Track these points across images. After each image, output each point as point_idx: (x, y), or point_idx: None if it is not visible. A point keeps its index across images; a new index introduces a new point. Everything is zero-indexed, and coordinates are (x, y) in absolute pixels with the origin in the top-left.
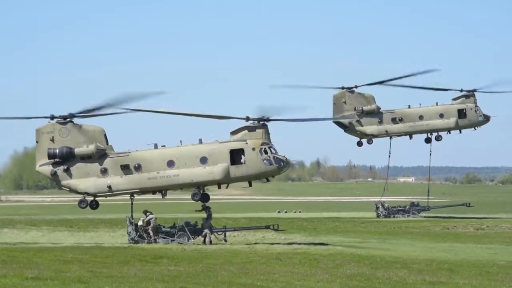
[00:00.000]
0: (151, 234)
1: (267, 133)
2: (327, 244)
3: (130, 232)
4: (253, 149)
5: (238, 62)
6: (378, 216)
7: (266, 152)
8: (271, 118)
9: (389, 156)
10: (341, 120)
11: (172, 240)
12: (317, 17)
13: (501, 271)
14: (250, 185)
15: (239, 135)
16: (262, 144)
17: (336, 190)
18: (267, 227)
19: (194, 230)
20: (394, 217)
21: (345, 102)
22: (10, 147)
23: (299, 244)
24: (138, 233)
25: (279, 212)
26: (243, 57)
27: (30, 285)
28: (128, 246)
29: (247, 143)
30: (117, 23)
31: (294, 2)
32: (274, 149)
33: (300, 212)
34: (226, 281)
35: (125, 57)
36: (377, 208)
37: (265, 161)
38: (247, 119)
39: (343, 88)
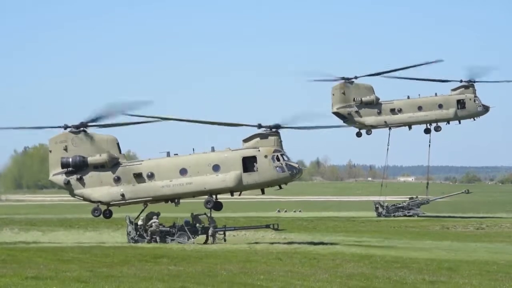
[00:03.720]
0: (149, 235)
1: (279, 140)
2: (327, 244)
3: (130, 232)
4: (266, 156)
5: (237, 61)
6: (379, 216)
7: (278, 159)
8: (283, 125)
9: (388, 149)
10: (340, 111)
11: (172, 240)
12: (316, 11)
13: (501, 270)
14: (263, 192)
15: (251, 143)
16: (275, 151)
17: (336, 190)
18: (267, 227)
19: (193, 230)
20: (394, 215)
21: (344, 93)
22: (10, 147)
23: (299, 243)
24: (138, 233)
25: (279, 211)
26: (241, 56)
27: (30, 285)
28: (128, 245)
29: (259, 151)
30: (119, 23)
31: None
32: (287, 156)
33: (300, 211)
34: (226, 280)
35: (127, 59)
36: (377, 208)
37: (277, 168)
38: (259, 126)
39: (342, 79)
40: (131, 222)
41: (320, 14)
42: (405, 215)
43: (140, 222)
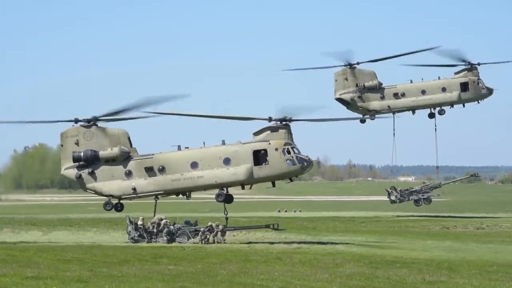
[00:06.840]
0: (165, 234)
1: (290, 133)
2: (327, 244)
3: (130, 232)
4: (276, 149)
5: (237, 61)
6: (392, 202)
7: (289, 152)
8: (293, 118)
9: (394, 135)
10: (343, 97)
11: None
12: (315, 6)
13: (500, 270)
14: (274, 185)
15: (261, 136)
16: (285, 144)
17: (336, 190)
18: (267, 227)
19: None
20: (408, 200)
21: (346, 79)
22: (10, 147)
23: (299, 243)
24: (138, 233)
25: (279, 211)
26: (241, 55)
27: (30, 284)
28: (128, 245)
29: (270, 144)
30: (119, 23)
31: None
32: (297, 149)
33: (300, 211)
34: (226, 280)
35: (130, 59)
36: (390, 194)
37: (288, 161)
38: (270, 119)
39: (345, 65)
40: (131, 222)
41: (319, 9)
42: (419, 199)
43: (140, 222)
